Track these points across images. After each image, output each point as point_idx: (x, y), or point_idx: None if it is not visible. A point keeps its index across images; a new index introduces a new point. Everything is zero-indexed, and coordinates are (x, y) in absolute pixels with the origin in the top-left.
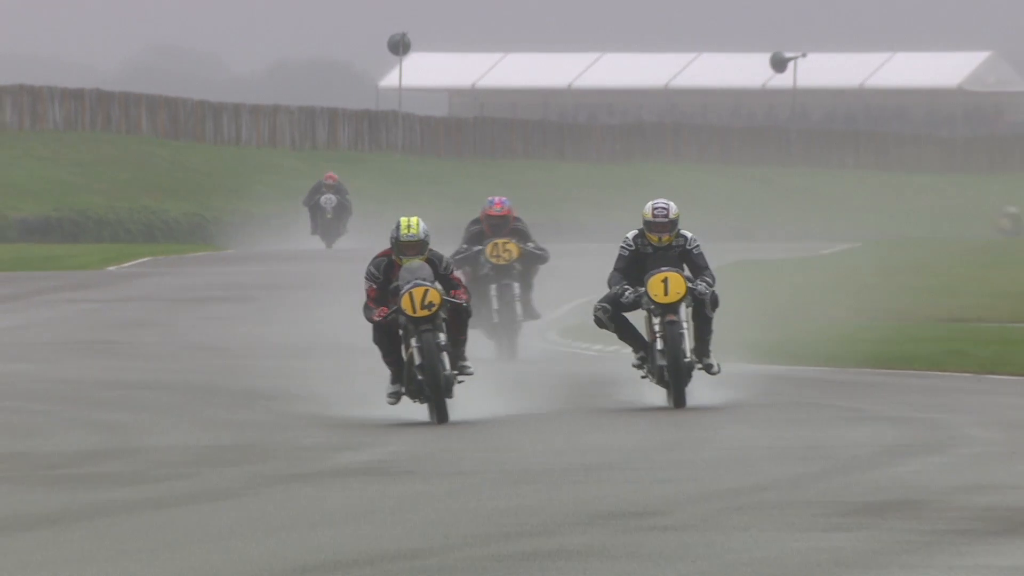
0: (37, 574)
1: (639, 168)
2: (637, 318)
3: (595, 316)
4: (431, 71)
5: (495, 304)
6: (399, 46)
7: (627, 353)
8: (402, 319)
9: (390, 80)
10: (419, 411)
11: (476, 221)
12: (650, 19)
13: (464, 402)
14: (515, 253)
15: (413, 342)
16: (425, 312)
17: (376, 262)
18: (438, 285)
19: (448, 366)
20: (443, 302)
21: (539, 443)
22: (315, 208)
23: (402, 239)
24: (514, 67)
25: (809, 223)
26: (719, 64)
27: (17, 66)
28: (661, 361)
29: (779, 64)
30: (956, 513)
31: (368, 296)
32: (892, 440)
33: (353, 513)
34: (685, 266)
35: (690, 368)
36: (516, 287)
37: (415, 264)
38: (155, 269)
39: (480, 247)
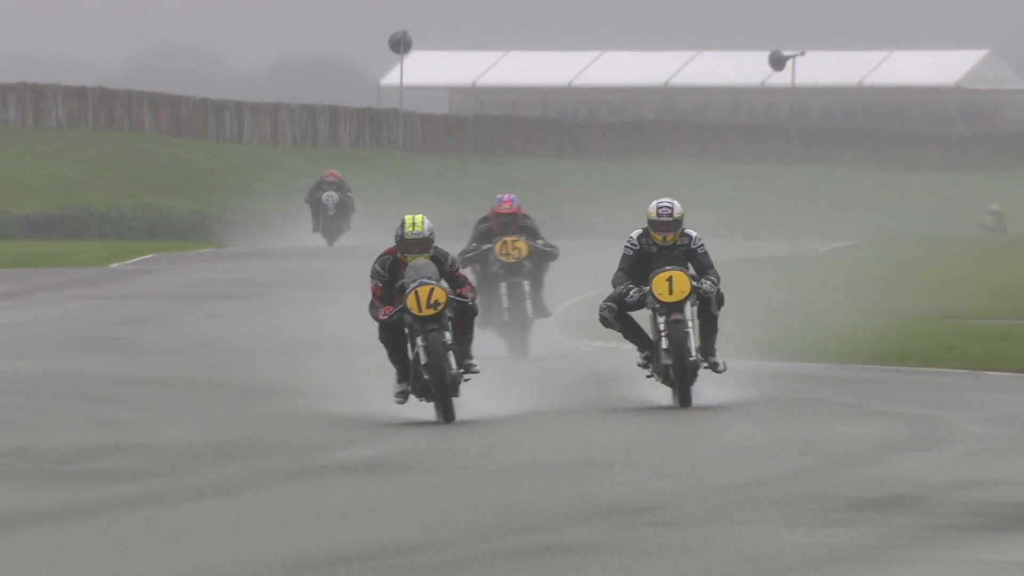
0: (39, 570)
1: (639, 166)
2: (642, 317)
3: (601, 315)
4: (432, 69)
5: (505, 302)
6: (400, 44)
7: (627, 349)
8: (408, 318)
9: (391, 78)
10: (425, 410)
11: (485, 219)
12: (649, 18)
13: (469, 400)
14: (525, 251)
15: (419, 341)
16: (431, 311)
17: (381, 260)
18: (444, 283)
19: (454, 365)
20: (449, 301)
21: (539, 439)
22: (316, 205)
23: (407, 237)
24: (514, 65)
25: (808, 221)
26: (718, 62)
27: (21, 64)
28: (666, 360)
29: (778, 62)
30: (953, 508)
31: (374, 294)
32: (890, 436)
33: (354, 508)
34: (690, 265)
35: (696, 367)
36: (526, 285)
37: (420, 262)
38: (158, 266)
39: (489, 245)
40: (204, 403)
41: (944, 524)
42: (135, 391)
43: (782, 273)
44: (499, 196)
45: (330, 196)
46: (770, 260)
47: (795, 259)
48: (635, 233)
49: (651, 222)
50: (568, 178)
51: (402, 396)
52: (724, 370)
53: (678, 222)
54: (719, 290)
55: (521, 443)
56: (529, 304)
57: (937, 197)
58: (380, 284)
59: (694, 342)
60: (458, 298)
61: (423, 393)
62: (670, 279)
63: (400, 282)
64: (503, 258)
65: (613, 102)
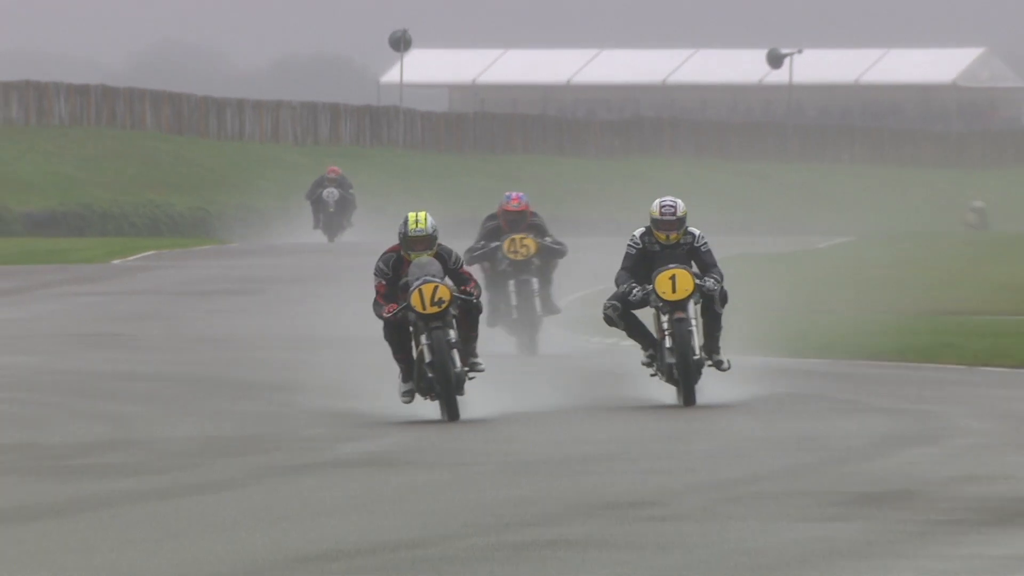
0: (42, 565)
1: (637, 163)
2: (646, 316)
3: (605, 314)
4: (432, 67)
5: (514, 300)
6: (400, 42)
7: (626, 345)
8: (412, 316)
9: (391, 76)
10: (430, 408)
11: (492, 217)
12: (648, 16)
13: (474, 399)
14: (533, 248)
15: (423, 339)
16: (435, 309)
17: (385, 258)
18: (448, 281)
19: (459, 363)
20: (453, 298)
21: (539, 434)
22: (317, 202)
23: (410, 234)
24: (514, 63)
25: (805, 217)
26: (716, 60)
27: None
28: (670, 359)
29: (775, 60)
30: (950, 503)
31: (377, 292)
32: (887, 431)
33: (355, 503)
34: (693, 263)
35: (700, 365)
36: (535, 282)
37: (424, 260)
38: (159, 263)
39: (498, 243)
40: (206, 399)
41: (942, 519)
42: (137, 387)
43: (780, 270)
44: (507, 194)
45: (331, 193)
46: (768, 257)
47: (793, 256)
48: (638, 232)
49: (654, 221)
50: (567, 175)
51: (409, 395)
52: (728, 368)
53: (681, 221)
54: (723, 288)
55: (521, 439)
56: (538, 301)
57: (933, 194)
58: (384, 282)
59: (698, 340)
60: (462, 296)
61: (428, 391)
62: (673, 277)
63: (404, 280)
64: (511, 256)
65: (612, 100)
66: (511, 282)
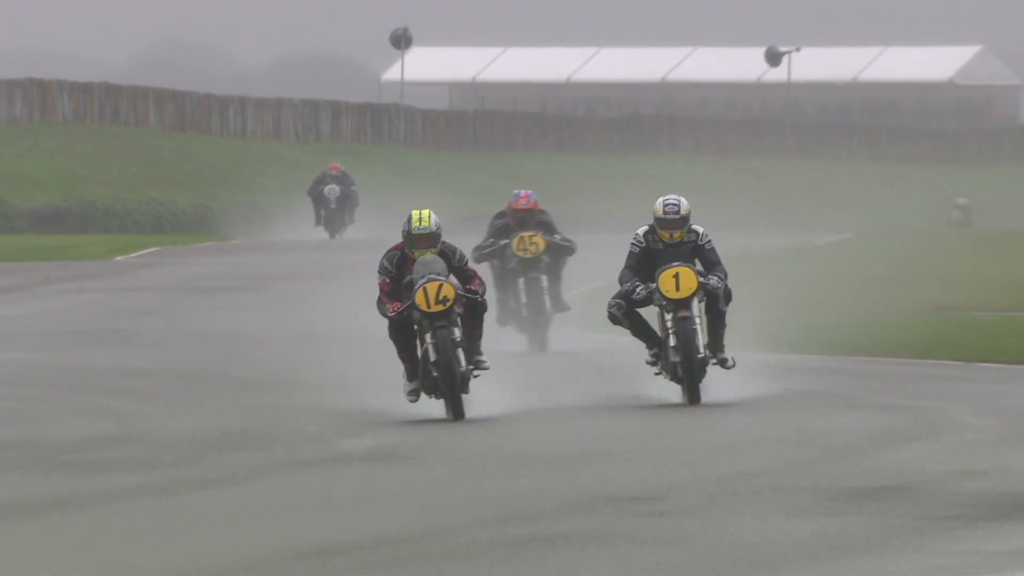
0: (44, 560)
1: (636, 160)
2: (651, 314)
3: (609, 313)
4: (432, 65)
5: (523, 298)
6: (401, 40)
7: (625, 342)
8: (416, 314)
9: (392, 74)
10: (434, 406)
11: (501, 214)
12: (647, 14)
13: (479, 397)
14: (542, 246)
15: (428, 338)
16: (440, 307)
17: (389, 256)
18: (453, 279)
19: (464, 362)
20: (458, 297)
21: (539, 430)
22: (318, 199)
23: (413, 232)
24: (514, 61)
25: (804, 215)
26: (714, 58)
27: (27, 60)
28: (674, 358)
29: (773, 58)
30: (947, 499)
31: (381, 290)
32: (884, 427)
33: (356, 498)
34: (697, 261)
35: (704, 364)
36: (544, 280)
37: (428, 258)
38: (162, 259)
39: (507, 241)
40: (207, 395)
41: (939, 514)
42: (139, 383)
43: (778, 266)
44: (515, 192)
45: (332, 189)
46: (766, 254)
47: (791, 253)
48: (641, 230)
49: (657, 219)
50: (567, 172)
51: (414, 395)
52: (733, 366)
53: (685, 219)
54: (727, 286)
55: (521, 435)
56: (548, 299)
57: (931, 191)
58: (388, 280)
59: (702, 339)
60: (467, 294)
61: (432, 390)
62: (676, 275)
63: (408, 278)
64: (520, 253)
65: (611, 97)
66: (520, 280)
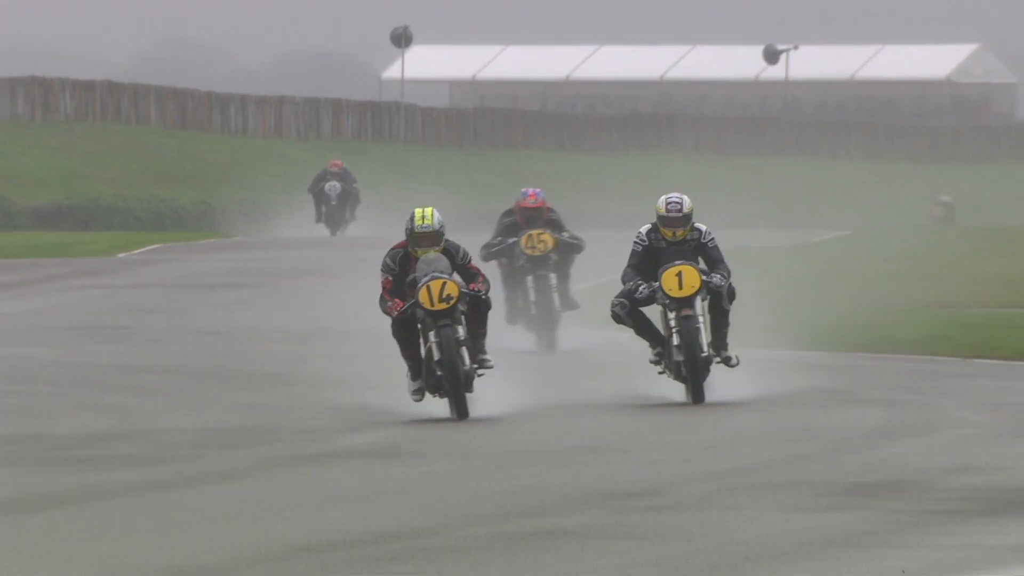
0: (48, 554)
1: (635, 158)
2: (654, 313)
3: (612, 312)
4: (432, 63)
5: (532, 296)
6: (401, 39)
7: (625, 338)
8: (420, 313)
9: (393, 72)
10: (438, 405)
11: (509, 212)
12: (646, 13)
13: (483, 396)
14: (551, 244)
15: (432, 336)
16: (443, 305)
17: (392, 254)
18: (457, 277)
19: (468, 361)
20: (462, 295)
21: (538, 427)
22: (319, 195)
23: (416, 230)
24: (513, 59)
25: (802, 212)
26: (713, 56)
27: (29, 58)
28: (678, 357)
29: (772, 56)
30: (944, 493)
31: (384, 288)
32: (881, 422)
33: (356, 494)
34: (700, 259)
35: (707, 362)
36: (553, 278)
37: (432, 256)
38: (163, 256)
39: (515, 239)
40: (209, 391)
41: (935, 509)
42: (141, 379)
43: (776, 263)
44: (523, 190)
45: (332, 186)
46: (764, 251)
47: (788, 249)
48: (644, 228)
49: (660, 217)
50: (566, 170)
51: (419, 394)
52: (737, 364)
53: (687, 217)
54: (730, 284)
55: (520, 431)
56: (556, 297)
57: (928, 188)
58: (390, 278)
59: (705, 337)
60: (471, 292)
61: (436, 389)
62: (679, 274)
63: (411, 276)
64: (529, 251)
65: (610, 95)
66: (529, 278)
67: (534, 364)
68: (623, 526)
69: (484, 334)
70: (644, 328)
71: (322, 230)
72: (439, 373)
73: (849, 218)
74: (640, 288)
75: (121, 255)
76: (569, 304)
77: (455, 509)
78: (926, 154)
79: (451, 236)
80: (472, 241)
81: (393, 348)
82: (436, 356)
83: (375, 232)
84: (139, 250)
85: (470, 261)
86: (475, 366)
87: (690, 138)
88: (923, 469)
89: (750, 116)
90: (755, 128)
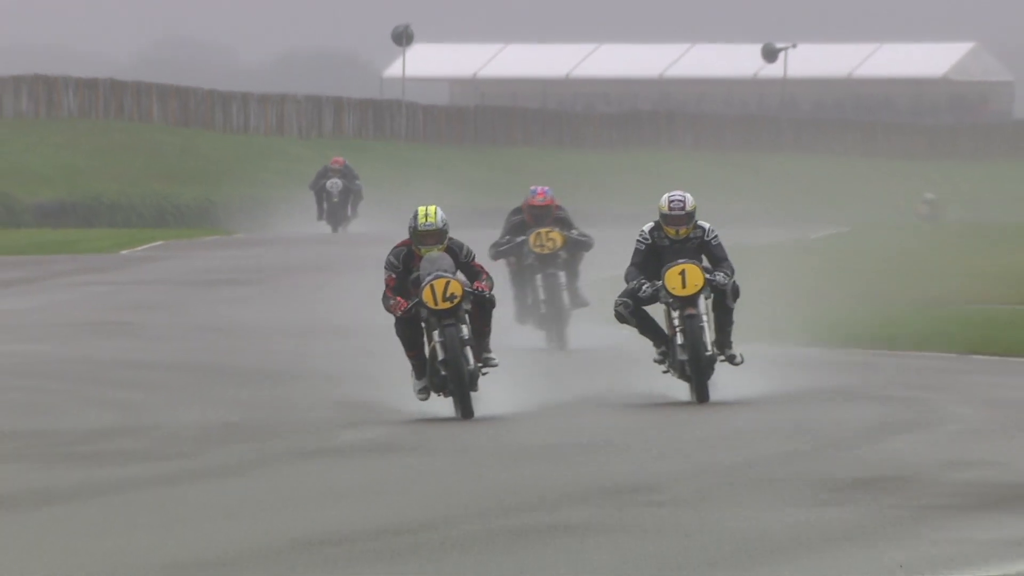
0: (53, 548)
1: (635, 156)
2: (658, 312)
3: (616, 311)
4: (433, 61)
5: (541, 294)
6: (402, 37)
7: (624, 335)
8: (424, 312)
9: (394, 70)
10: (444, 404)
11: (517, 211)
12: (645, 11)
13: (487, 395)
14: (559, 242)
15: (436, 335)
16: (447, 304)
17: (395, 251)
18: (460, 276)
19: (472, 360)
20: (465, 294)
21: (539, 423)
22: (321, 192)
23: (420, 228)
24: (514, 58)
25: (799, 209)
26: (712, 55)
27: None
28: (682, 356)
29: (770, 55)
30: (940, 488)
31: (387, 286)
32: (879, 418)
33: (358, 489)
34: (704, 258)
35: (711, 361)
36: (562, 276)
37: (435, 254)
38: (166, 253)
39: (523, 237)
40: (212, 386)
41: (932, 504)
42: (145, 375)
43: (773, 260)
44: (532, 188)
45: (334, 183)
46: (762, 247)
47: (786, 246)
48: (647, 227)
49: (663, 216)
50: (566, 168)
51: (424, 393)
52: (741, 362)
53: (690, 215)
54: (734, 282)
55: (522, 428)
56: (566, 295)
57: (925, 186)
58: (393, 275)
59: (709, 336)
60: (475, 292)
61: (441, 388)
62: (683, 272)
63: (415, 274)
64: (537, 250)
65: (610, 93)
66: (538, 276)
67: (540, 362)
68: (623, 522)
69: (488, 333)
70: (647, 327)
71: (323, 227)
72: (443, 372)
73: (846, 215)
74: (643, 287)
75: (124, 252)
76: (579, 302)
77: (456, 504)
78: (923, 152)
79: (452, 234)
80: (473, 238)
81: (395, 345)
82: (440, 355)
83: (376, 229)
84: (142, 247)
85: (474, 259)
86: (479, 365)
87: (689, 136)
88: (920, 464)
89: (749, 114)
90: (754, 126)
